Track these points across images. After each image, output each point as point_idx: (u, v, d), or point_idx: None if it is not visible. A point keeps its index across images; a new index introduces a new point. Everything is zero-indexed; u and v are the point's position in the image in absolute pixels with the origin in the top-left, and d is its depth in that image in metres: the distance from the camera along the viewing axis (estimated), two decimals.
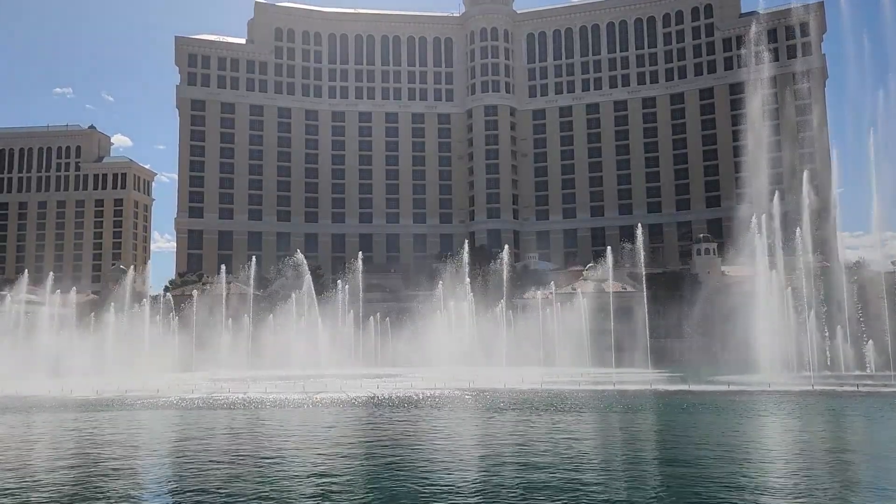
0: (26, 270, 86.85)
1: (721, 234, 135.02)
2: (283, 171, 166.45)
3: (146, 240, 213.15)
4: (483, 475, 22.01)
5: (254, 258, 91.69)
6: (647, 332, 70.26)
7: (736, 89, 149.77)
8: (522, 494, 18.99)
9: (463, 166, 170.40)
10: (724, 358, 65.52)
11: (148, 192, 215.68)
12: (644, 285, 75.12)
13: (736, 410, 40.18)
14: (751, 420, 36.42)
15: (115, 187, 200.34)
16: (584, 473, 21.94)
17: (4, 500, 18.86)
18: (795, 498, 18.74)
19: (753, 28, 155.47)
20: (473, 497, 18.69)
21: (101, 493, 20.21)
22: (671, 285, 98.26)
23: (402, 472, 22.31)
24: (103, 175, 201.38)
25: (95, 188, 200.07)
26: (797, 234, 68.20)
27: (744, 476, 21.89)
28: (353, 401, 45.44)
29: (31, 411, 44.58)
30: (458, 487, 19.93)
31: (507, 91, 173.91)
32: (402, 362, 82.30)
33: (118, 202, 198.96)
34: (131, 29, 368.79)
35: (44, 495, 19.57)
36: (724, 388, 54.79)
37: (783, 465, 23.88)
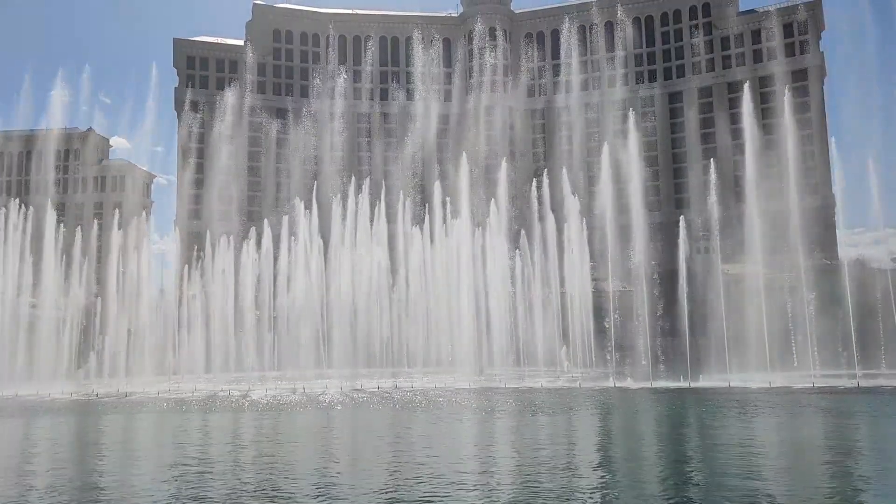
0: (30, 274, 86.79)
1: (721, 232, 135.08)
2: (282, 172, 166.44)
3: (146, 242, 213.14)
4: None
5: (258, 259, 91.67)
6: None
7: (734, 88, 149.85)
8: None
9: None
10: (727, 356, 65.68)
11: (147, 194, 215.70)
12: (644, 284, 75.16)
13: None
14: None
15: (114, 190, 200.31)
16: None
17: None
18: None
19: (751, 26, 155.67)
20: None
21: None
22: (671, 284, 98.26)
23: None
24: (102, 177, 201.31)
25: (94, 191, 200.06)
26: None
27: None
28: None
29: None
30: None
31: (506, 91, 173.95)
32: (423, 364, 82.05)
33: (117, 205, 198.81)
34: (128, 31, 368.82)
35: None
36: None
37: None
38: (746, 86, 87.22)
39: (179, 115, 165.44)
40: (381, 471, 23.64)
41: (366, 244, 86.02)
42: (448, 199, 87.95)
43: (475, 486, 20.54)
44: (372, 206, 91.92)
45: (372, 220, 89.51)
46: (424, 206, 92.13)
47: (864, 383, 55.41)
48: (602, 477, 21.88)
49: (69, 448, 33.25)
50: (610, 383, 62.66)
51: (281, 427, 38.12)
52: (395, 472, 23.31)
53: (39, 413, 49.44)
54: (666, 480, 21.12)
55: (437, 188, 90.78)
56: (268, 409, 46.67)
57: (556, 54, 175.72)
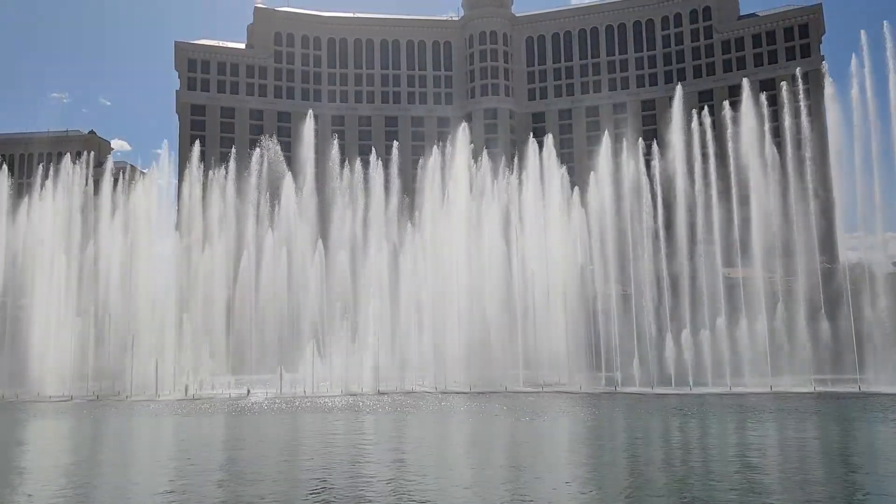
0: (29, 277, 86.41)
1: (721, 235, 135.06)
2: (282, 175, 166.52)
3: (147, 244, 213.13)
4: None
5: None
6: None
7: (735, 91, 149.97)
8: None
9: None
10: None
11: (148, 196, 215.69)
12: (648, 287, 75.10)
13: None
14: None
15: (114, 192, 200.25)
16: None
17: None
18: None
19: (752, 30, 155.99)
20: None
21: None
22: (672, 287, 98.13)
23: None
24: (102, 180, 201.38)
25: (96, 193, 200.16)
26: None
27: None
28: None
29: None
30: None
31: (507, 94, 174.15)
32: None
33: (118, 207, 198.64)
34: (128, 34, 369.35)
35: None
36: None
37: None
38: (746, 89, 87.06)
39: (181, 118, 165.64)
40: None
41: (365, 248, 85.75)
42: (447, 201, 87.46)
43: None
44: (368, 208, 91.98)
45: (367, 223, 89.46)
46: (415, 209, 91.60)
47: (865, 388, 55.39)
48: (608, 480, 21.89)
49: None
50: (612, 388, 62.70)
51: (296, 430, 38.11)
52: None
53: (46, 414, 49.41)
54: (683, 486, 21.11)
55: (436, 190, 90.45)
56: (275, 413, 46.68)
57: (556, 58, 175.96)
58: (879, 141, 68.87)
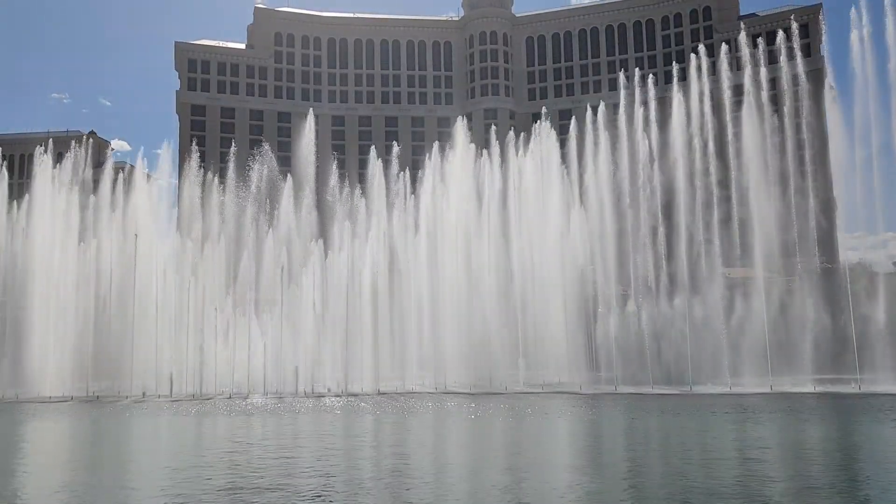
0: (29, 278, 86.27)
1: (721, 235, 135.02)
2: (283, 175, 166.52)
3: (147, 244, 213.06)
4: None
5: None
6: None
7: (735, 91, 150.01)
8: None
9: None
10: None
11: (148, 197, 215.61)
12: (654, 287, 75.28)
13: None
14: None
15: (114, 193, 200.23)
16: None
17: None
18: None
19: (752, 31, 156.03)
20: None
21: None
22: (671, 287, 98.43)
23: None
24: (102, 180, 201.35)
25: (94, 194, 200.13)
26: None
27: None
28: None
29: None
30: None
31: (507, 94, 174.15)
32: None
33: (118, 208, 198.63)
34: (130, 35, 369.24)
35: None
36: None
37: None
38: (746, 90, 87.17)
39: (181, 118, 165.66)
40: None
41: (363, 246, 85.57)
42: (446, 201, 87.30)
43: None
44: (370, 208, 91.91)
45: (369, 221, 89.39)
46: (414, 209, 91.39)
47: (864, 388, 55.35)
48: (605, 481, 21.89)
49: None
50: (611, 388, 62.67)
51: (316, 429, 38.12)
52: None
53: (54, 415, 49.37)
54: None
55: (436, 190, 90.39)
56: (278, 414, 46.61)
57: (556, 58, 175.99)
58: (880, 138, 68.76)
